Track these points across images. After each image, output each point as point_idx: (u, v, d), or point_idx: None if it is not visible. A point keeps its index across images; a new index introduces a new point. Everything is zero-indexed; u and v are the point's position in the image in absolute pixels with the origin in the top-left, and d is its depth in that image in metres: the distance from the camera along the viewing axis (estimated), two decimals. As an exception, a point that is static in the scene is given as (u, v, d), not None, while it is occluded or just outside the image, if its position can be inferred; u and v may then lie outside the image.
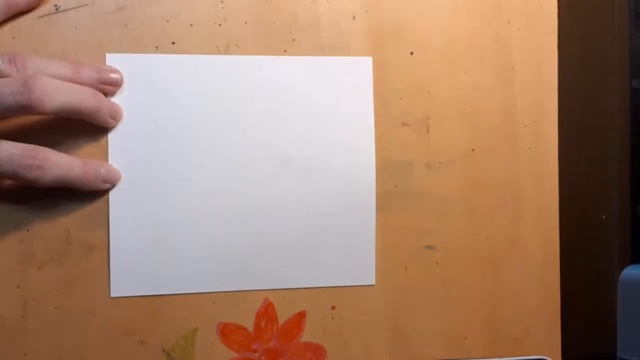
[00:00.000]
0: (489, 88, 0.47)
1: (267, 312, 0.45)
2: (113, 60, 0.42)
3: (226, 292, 0.44)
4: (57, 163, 0.38)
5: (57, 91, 0.37)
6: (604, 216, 0.49)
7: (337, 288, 0.45)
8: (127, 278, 0.42)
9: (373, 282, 0.46)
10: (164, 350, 0.43)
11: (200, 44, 0.43)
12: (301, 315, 0.45)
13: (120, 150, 0.42)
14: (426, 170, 0.46)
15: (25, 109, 0.36)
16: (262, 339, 0.45)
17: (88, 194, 0.42)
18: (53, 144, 0.41)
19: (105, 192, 0.42)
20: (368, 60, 0.45)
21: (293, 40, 0.44)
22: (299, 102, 0.44)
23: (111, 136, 0.42)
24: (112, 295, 0.42)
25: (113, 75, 0.41)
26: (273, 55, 0.44)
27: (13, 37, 0.41)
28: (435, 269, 0.47)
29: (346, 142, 0.45)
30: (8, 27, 0.41)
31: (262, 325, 0.45)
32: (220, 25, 0.44)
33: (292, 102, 0.44)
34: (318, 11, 0.45)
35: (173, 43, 0.43)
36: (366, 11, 0.45)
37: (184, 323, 0.44)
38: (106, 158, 0.42)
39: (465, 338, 0.47)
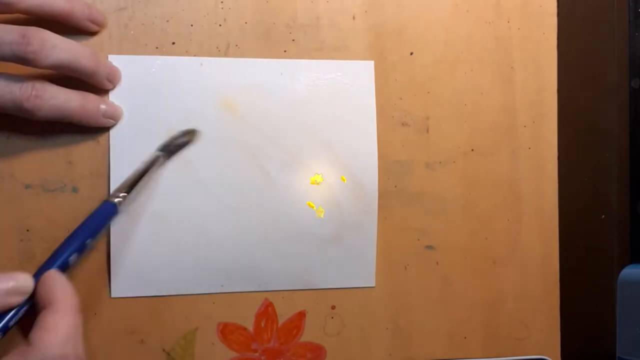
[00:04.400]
0: (489, 88, 0.47)
1: (267, 312, 0.45)
2: (114, 61, 0.42)
3: (226, 292, 0.44)
4: (55, 93, 0.38)
5: (55, 47, 0.37)
6: (603, 216, 0.49)
7: (337, 288, 0.45)
8: (127, 278, 0.42)
9: (373, 284, 0.46)
10: (164, 350, 0.43)
11: (201, 44, 0.43)
12: (301, 315, 0.45)
13: (120, 151, 0.42)
14: (426, 170, 0.46)
15: (21, 60, 0.36)
16: (262, 339, 0.45)
17: (88, 193, 0.42)
18: (53, 144, 0.41)
19: (106, 189, 0.42)
20: (370, 65, 0.45)
21: (293, 40, 0.44)
22: (301, 104, 0.44)
23: (112, 136, 0.42)
24: (112, 295, 0.42)
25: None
26: (273, 56, 0.44)
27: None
28: (435, 269, 0.47)
29: (348, 145, 0.45)
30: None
31: (262, 325, 0.45)
32: (220, 25, 0.44)
33: (294, 105, 0.44)
34: (318, 11, 0.45)
35: (173, 43, 0.43)
36: (366, 11, 0.45)
37: (184, 323, 0.44)
38: (107, 158, 0.42)
39: (465, 338, 0.47)
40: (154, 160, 0.41)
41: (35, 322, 0.33)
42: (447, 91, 0.46)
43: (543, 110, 0.48)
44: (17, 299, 0.34)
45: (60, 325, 0.33)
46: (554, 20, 0.48)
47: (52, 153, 0.41)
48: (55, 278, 0.35)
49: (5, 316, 0.34)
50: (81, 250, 0.38)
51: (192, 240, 0.43)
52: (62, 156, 0.42)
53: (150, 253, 0.42)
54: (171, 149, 0.42)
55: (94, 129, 0.41)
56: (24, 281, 0.34)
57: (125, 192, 0.40)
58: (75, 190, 0.42)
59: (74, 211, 0.42)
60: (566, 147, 0.48)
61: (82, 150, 0.42)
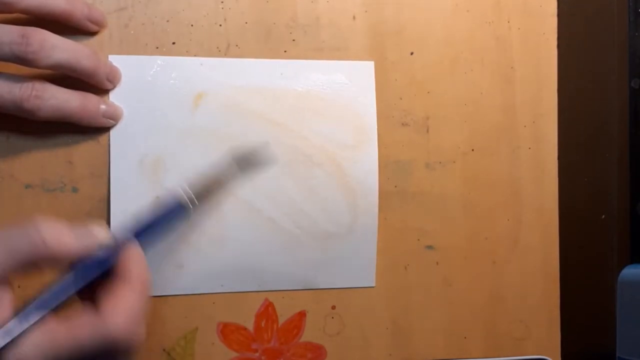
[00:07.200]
0: (489, 88, 0.47)
1: (267, 312, 0.45)
2: (114, 61, 0.42)
3: (226, 292, 0.44)
4: (55, 93, 0.38)
5: (55, 48, 0.37)
6: (603, 216, 0.49)
7: (337, 288, 0.45)
8: (127, 278, 0.42)
9: (373, 284, 0.46)
10: (164, 350, 0.43)
11: (201, 44, 0.43)
12: (301, 315, 0.45)
13: (120, 151, 0.42)
14: (426, 170, 0.46)
15: (20, 60, 0.37)
16: (262, 339, 0.45)
17: (88, 193, 0.42)
18: (53, 144, 0.41)
19: (106, 189, 0.42)
20: (370, 65, 0.45)
21: (293, 40, 0.44)
22: (302, 105, 0.44)
23: (112, 136, 0.42)
24: (112, 295, 0.42)
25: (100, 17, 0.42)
26: (273, 56, 0.44)
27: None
28: (435, 269, 0.47)
29: (349, 146, 0.45)
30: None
31: (262, 325, 0.45)
32: (220, 25, 0.44)
33: (294, 105, 0.44)
34: (318, 11, 0.45)
35: (173, 43, 0.43)
36: (366, 11, 0.45)
37: (184, 323, 0.44)
38: (107, 158, 0.42)
39: (465, 338, 0.47)
40: (227, 174, 0.41)
41: (108, 292, 0.33)
42: (447, 91, 0.46)
43: (543, 110, 0.48)
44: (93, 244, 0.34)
45: (132, 301, 0.33)
46: (554, 20, 0.48)
47: (52, 153, 0.41)
48: (137, 253, 0.36)
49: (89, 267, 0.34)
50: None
51: (192, 240, 0.43)
52: (62, 156, 0.42)
53: (150, 253, 0.42)
54: (243, 165, 0.42)
55: (94, 129, 0.41)
56: (99, 231, 0.35)
57: (196, 203, 0.39)
58: (75, 190, 0.42)
59: (74, 211, 0.42)
60: (566, 147, 0.48)
61: (82, 150, 0.42)
